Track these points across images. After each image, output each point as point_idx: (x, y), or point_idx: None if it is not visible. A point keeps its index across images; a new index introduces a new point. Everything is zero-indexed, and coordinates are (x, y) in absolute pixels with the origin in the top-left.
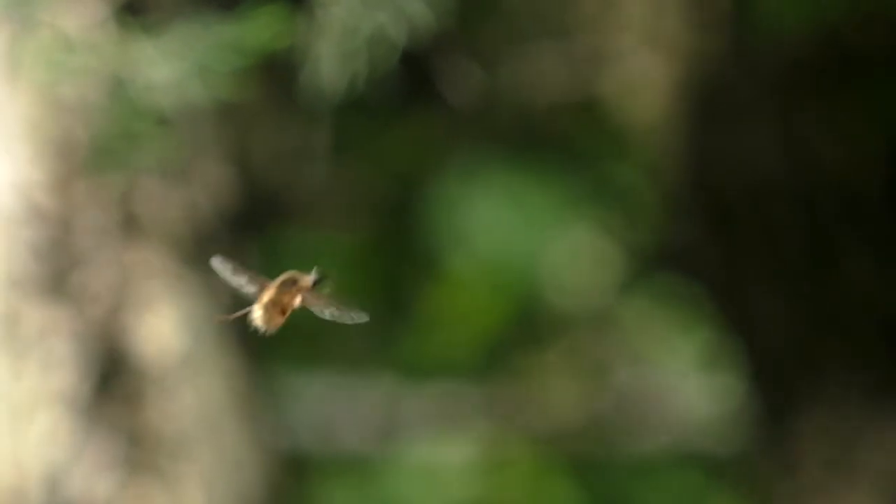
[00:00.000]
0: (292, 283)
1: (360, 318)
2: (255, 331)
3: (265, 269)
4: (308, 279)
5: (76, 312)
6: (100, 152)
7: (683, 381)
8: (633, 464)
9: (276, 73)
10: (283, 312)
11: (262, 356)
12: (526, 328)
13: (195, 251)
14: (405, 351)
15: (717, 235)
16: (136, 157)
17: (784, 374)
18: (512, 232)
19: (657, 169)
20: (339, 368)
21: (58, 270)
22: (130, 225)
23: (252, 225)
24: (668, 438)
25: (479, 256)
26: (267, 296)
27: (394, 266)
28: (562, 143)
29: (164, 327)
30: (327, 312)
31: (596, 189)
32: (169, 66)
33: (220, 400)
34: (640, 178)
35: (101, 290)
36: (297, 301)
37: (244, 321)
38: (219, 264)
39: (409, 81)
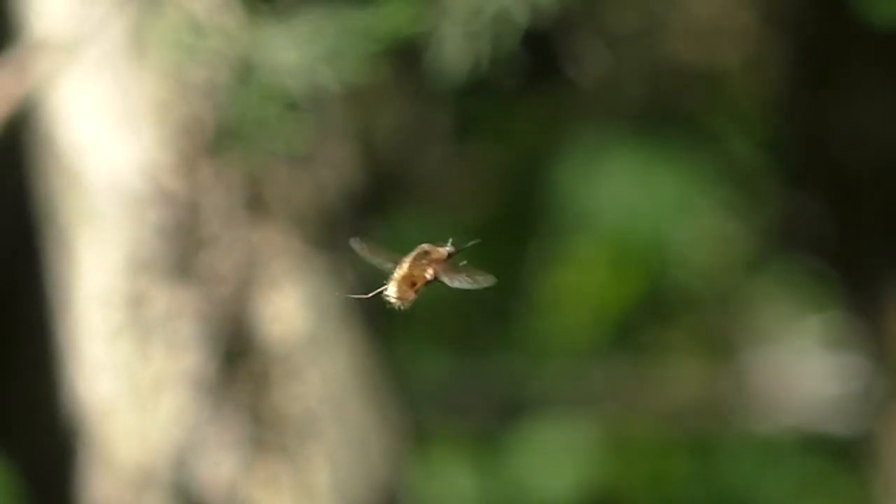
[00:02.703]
0: (425, 255)
1: (488, 281)
2: (381, 310)
3: (389, 248)
4: (441, 251)
5: (202, 293)
6: (227, 135)
7: (808, 361)
8: (757, 444)
9: (401, 54)
10: (415, 286)
11: (387, 335)
12: (651, 307)
13: (321, 232)
14: (529, 330)
15: (840, 213)
16: (263, 139)
17: None
18: (637, 210)
19: (779, 145)
20: (464, 347)
21: (184, 251)
22: (256, 206)
23: (376, 205)
24: (792, 418)
25: (604, 235)
26: (399, 271)
27: (518, 245)
28: (685, 120)
29: (289, 307)
30: (457, 283)
31: (721, 166)
32: (297, 51)
33: (345, 380)
34: (763, 154)
35: (227, 270)
36: (430, 274)
37: (374, 299)
38: (356, 245)
39: (534, 61)
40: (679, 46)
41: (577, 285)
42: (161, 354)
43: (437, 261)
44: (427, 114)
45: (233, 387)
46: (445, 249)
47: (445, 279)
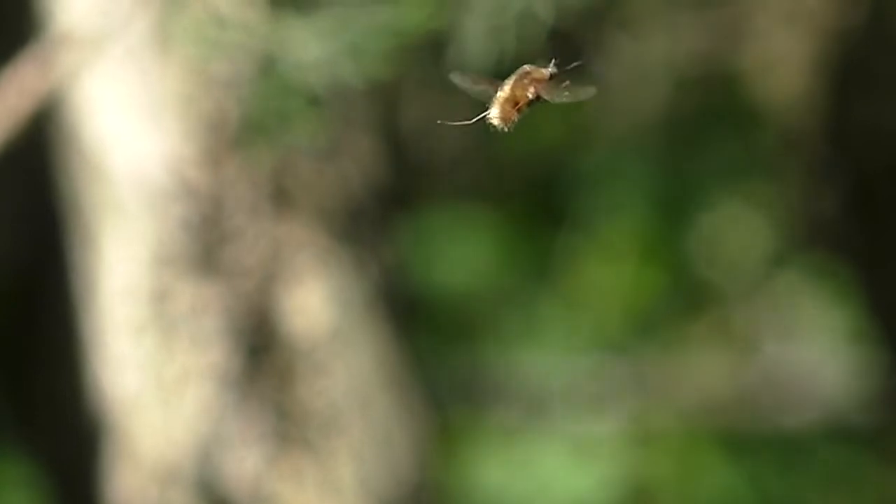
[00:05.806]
0: (526, 75)
1: (589, 93)
2: (405, 303)
3: (414, 243)
4: (543, 72)
5: (226, 287)
6: (250, 129)
7: (832, 356)
8: (782, 439)
9: (425, 47)
10: (517, 106)
11: (412, 329)
12: (676, 301)
13: (345, 225)
14: (555, 323)
15: (858, 211)
16: (287, 133)
17: None
18: (661, 204)
19: (797, 144)
20: (489, 340)
21: (208, 245)
22: (281, 200)
23: (401, 199)
24: (817, 413)
25: (629, 229)
26: (501, 93)
27: (543, 239)
28: (710, 114)
29: (314, 301)
30: (558, 98)
31: (745, 161)
32: (320, 46)
33: (370, 374)
34: (786, 150)
35: (251, 265)
36: (531, 93)
37: (399, 291)
38: (457, 78)
39: (558, 56)
40: (703, 41)
41: (603, 279)
42: (185, 349)
43: (538, 80)
44: (452, 107)
45: (257, 381)
46: (547, 70)
47: (547, 96)
